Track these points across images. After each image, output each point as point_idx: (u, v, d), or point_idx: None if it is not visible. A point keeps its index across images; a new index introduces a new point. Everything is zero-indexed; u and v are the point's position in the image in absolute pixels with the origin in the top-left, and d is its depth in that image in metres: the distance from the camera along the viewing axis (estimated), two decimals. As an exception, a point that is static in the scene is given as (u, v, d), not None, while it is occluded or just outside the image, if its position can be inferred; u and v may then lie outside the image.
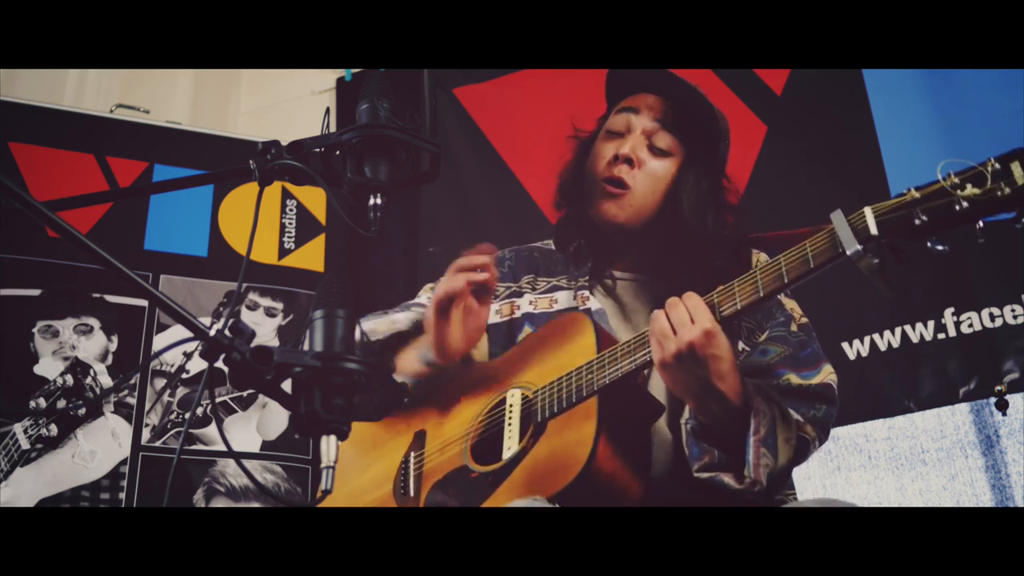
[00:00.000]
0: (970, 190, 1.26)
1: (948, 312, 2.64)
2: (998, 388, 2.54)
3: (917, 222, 1.29)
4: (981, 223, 1.27)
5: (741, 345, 1.67)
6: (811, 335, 1.71)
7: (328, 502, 1.77)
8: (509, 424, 1.59)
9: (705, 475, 1.48)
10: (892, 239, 1.32)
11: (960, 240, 1.37)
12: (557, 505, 1.41)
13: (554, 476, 1.44)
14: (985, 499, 2.70)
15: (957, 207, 1.26)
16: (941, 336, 2.64)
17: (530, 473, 1.50)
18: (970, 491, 2.73)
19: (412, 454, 1.72)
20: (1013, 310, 2.56)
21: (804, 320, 1.72)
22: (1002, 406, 2.54)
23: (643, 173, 1.72)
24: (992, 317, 2.58)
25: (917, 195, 1.30)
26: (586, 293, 1.76)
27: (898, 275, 1.34)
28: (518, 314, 1.81)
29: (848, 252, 1.32)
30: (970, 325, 2.60)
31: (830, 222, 1.37)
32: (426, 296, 1.90)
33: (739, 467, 1.47)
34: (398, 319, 1.75)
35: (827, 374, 1.63)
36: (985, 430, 2.76)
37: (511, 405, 1.61)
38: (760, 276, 1.42)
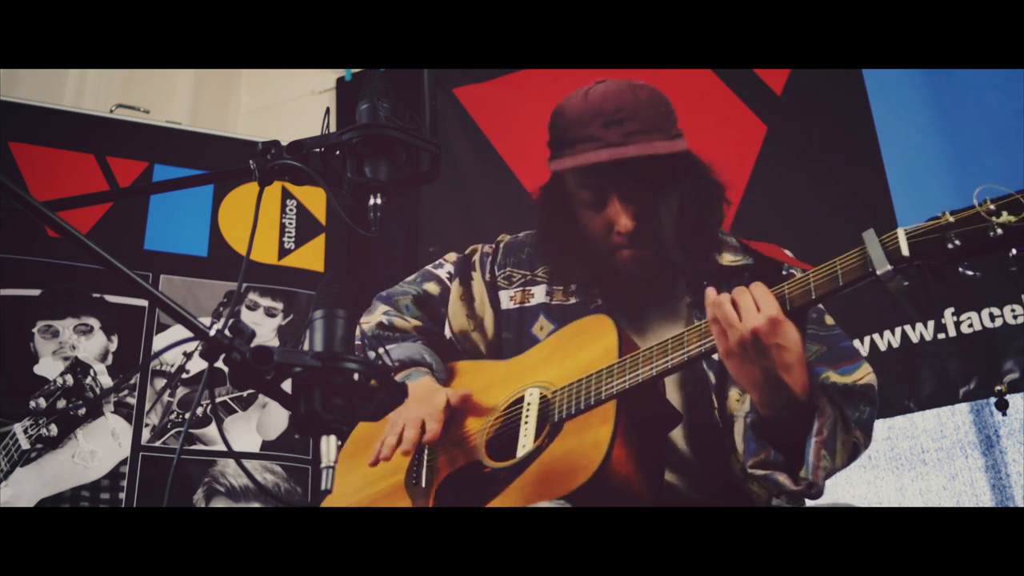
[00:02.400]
0: (1006, 217, 1.26)
1: (948, 312, 2.64)
2: (998, 388, 2.54)
3: (950, 246, 1.29)
4: (1015, 251, 1.27)
5: None
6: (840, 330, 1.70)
7: (336, 488, 1.76)
8: (526, 422, 1.59)
9: (760, 472, 1.47)
10: (924, 261, 1.31)
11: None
12: (564, 504, 1.41)
13: (567, 476, 1.44)
14: (985, 499, 2.70)
15: (992, 234, 1.26)
16: (941, 336, 2.64)
17: (543, 472, 1.49)
18: (970, 491, 2.73)
19: (426, 446, 1.72)
20: (1013, 310, 2.56)
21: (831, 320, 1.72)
22: (1002, 406, 2.54)
23: (643, 224, 1.67)
24: (992, 317, 2.58)
25: (951, 219, 1.30)
26: (596, 288, 1.76)
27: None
28: (531, 302, 1.80)
29: (879, 272, 1.32)
30: (970, 325, 2.60)
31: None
32: (447, 271, 1.91)
33: (796, 468, 1.45)
34: (414, 352, 1.75)
35: (866, 372, 1.62)
36: (985, 430, 2.76)
37: (529, 403, 1.61)
38: (788, 290, 1.42)
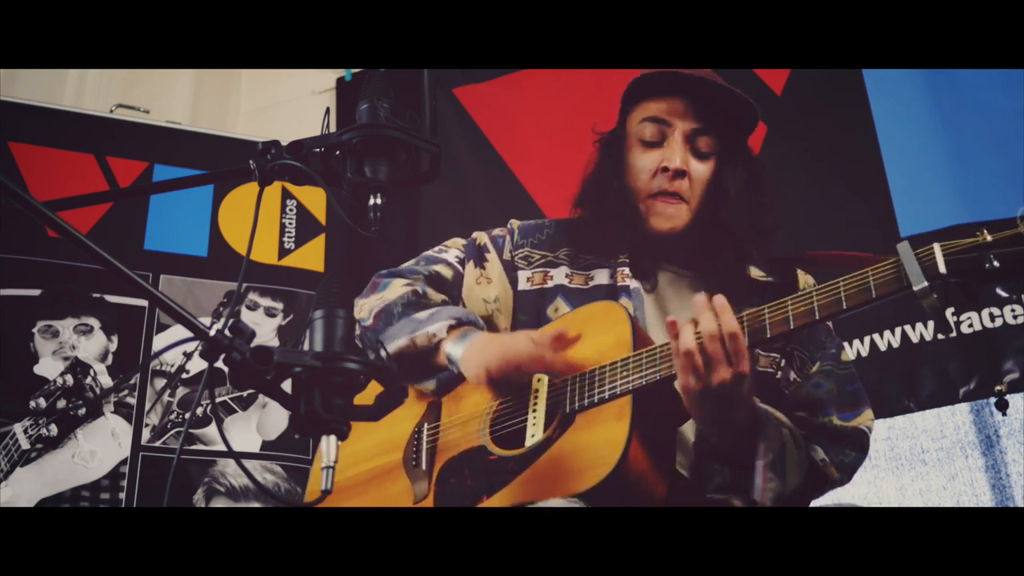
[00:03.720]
0: None
1: (948, 312, 2.64)
2: (998, 388, 2.54)
3: (988, 266, 1.27)
4: None
5: (793, 375, 1.66)
6: (855, 369, 1.70)
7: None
8: (534, 410, 1.56)
9: (718, 496, 1.48)
10: (959, 279, 1.30)
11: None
12: (578, 502, 1.40)
13: (581, 473, 1.42)
14: (985, 499, 2.70)
15: None
16: (941, 336, 2.64)
17: (555, 465, 1.47)
18: (970, 491, 2.73)
19: (426, 425, 1.69)
20: (1013, 310, 2.56)
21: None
22: (1002, 406, 2.54)
23: (694, 180, 1.70)
24: (992, 317, 2.58)
25: (990, 238, 1.28)
26: (627, 270, 1.73)
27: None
28: (550, 284, 1.77)
29: (915, 288, 1.30)
30: (970, 325, 2.60)
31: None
32: (454, 254, 1.85)
33: (749, 489, 1.47)
34: (436, 331, 1.66)
35: (865, 419, 1.62)
36: (985, 430, 2.77)
37: (537, 390, 1.58)
38: (817, 298, 1.40)
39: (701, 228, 1.71)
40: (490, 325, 1.78)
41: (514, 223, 1.89)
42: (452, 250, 1.87)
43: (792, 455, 1.50)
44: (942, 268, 1.30)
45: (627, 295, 1.70)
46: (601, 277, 1.76)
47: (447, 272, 1.83)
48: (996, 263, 1.27)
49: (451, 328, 1.64)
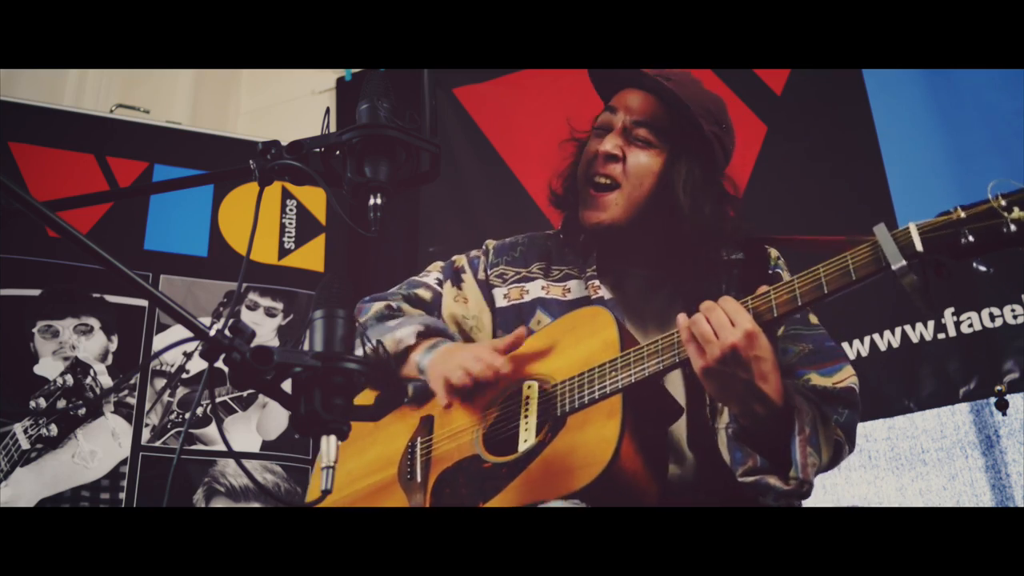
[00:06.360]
0: (1018, 213, 1.26)
1: (948, 312, 2.64)
2: (998, 388, 2.54)
3: (963, 241, 1.28)
4: None
5: None
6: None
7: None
8: (525, 416, 1.57)
9: (750, 479, 1.47)
10: (937, 257, 1.31)
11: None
12: (579, 503, 1.40)
13: (575, 473, 1.43)
14: (985, 499, 2.70)
15: (1005, 229, 1.26)
16: (941, 336, 2.64)
17: (548, 467, 1.48)
18: (970, 491, 2.73)
19: (419, 439, 1.70)
20: (1013, 310, 2.56)
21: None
22: (1002, 406, 2.54)
23: (629, 165, 1.72)
24: (992, 317, 2.58)
25: (964, 215, 1.29)
26: (596, 283, 1.76)
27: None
28: (527, 298, 1.80)
29: (893, 267, 1.31)
30: (970, 325, 2.60)
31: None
32: (434, 277, 1.91)
33: (784, 469, 1.45)
34: (403, 337, 1.73)
35: (848, 375, 1.62)
36: (985, 430, 2.77)
37: (528, 397, 1.59)
38: (798, 285, 1.41)
39: (651, 223, 1.72)
40: (468, 341, 1.82)
41: (489, 243, 1.94)
42: (433, 273, 1.93)
43: (823, 429, 1.50)
44: (919, 246, 1.30)
45: (612, 312, 1.71)
46: (577, 289, 1.79)
47: (426, 294, 1.89)
48: (971, 237, 1.28)
49: (420, 335, 1.70)
